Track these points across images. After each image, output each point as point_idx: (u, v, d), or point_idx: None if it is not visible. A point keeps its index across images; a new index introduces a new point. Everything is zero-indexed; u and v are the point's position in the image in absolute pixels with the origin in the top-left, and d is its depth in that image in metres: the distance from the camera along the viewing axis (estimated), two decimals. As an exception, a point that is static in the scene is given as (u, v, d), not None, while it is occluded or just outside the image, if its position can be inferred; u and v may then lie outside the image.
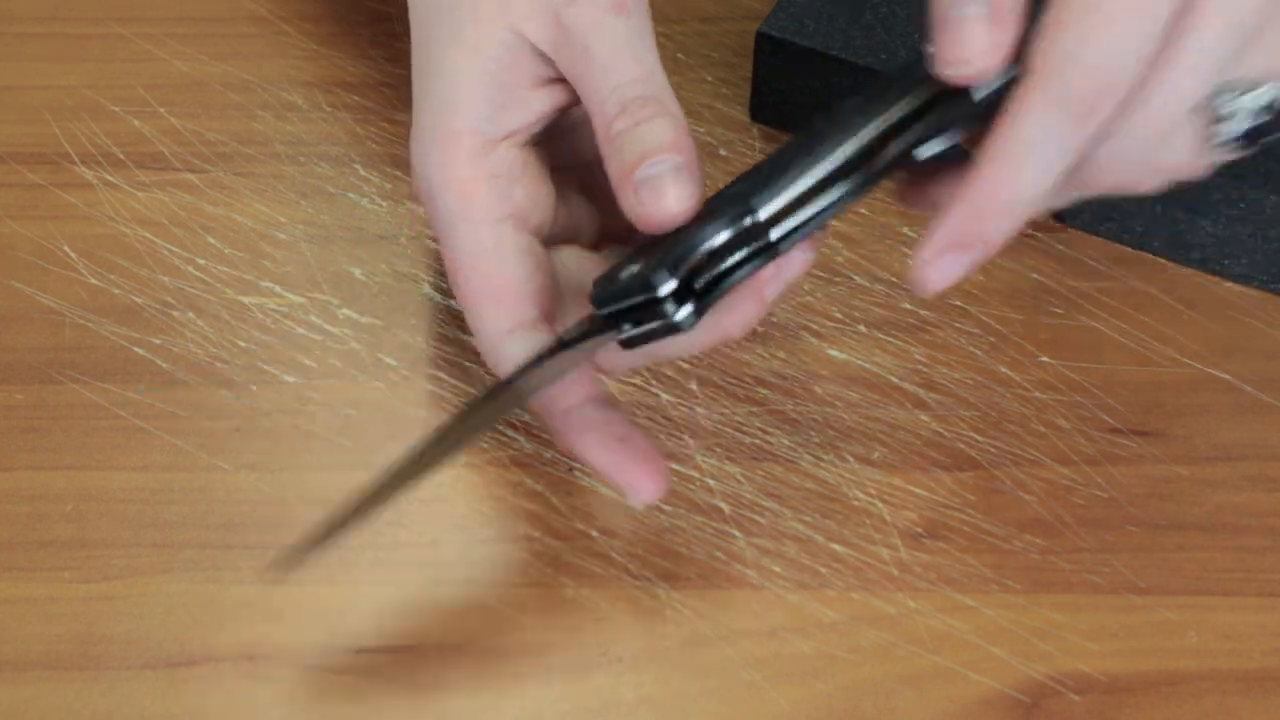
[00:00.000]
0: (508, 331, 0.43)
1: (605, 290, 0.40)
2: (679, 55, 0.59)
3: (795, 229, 0.39)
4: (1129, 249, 0.54)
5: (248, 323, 0.52)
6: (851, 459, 0.49)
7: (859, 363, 0.51)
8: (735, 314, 0.41)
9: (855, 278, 0.53)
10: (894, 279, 0.53)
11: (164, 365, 0.51)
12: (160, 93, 0.58)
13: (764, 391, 0.50)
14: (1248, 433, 0.50)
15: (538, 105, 0.45)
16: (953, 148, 0.39)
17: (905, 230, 0.54)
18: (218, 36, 0.60)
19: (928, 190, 0.41)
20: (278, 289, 0.53)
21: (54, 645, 0.45)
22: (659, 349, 0.41)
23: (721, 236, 0.39)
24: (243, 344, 0.51)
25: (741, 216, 0.39)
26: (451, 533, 0.47)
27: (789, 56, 0.54)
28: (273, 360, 0.51)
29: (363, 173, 0.56)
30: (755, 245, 0.39)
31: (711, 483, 0.48)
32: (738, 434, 0.49)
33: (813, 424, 0.50)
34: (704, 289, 0.39)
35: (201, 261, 0.53)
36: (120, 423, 0.49)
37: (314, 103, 0.58)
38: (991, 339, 0.52)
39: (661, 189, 0.40)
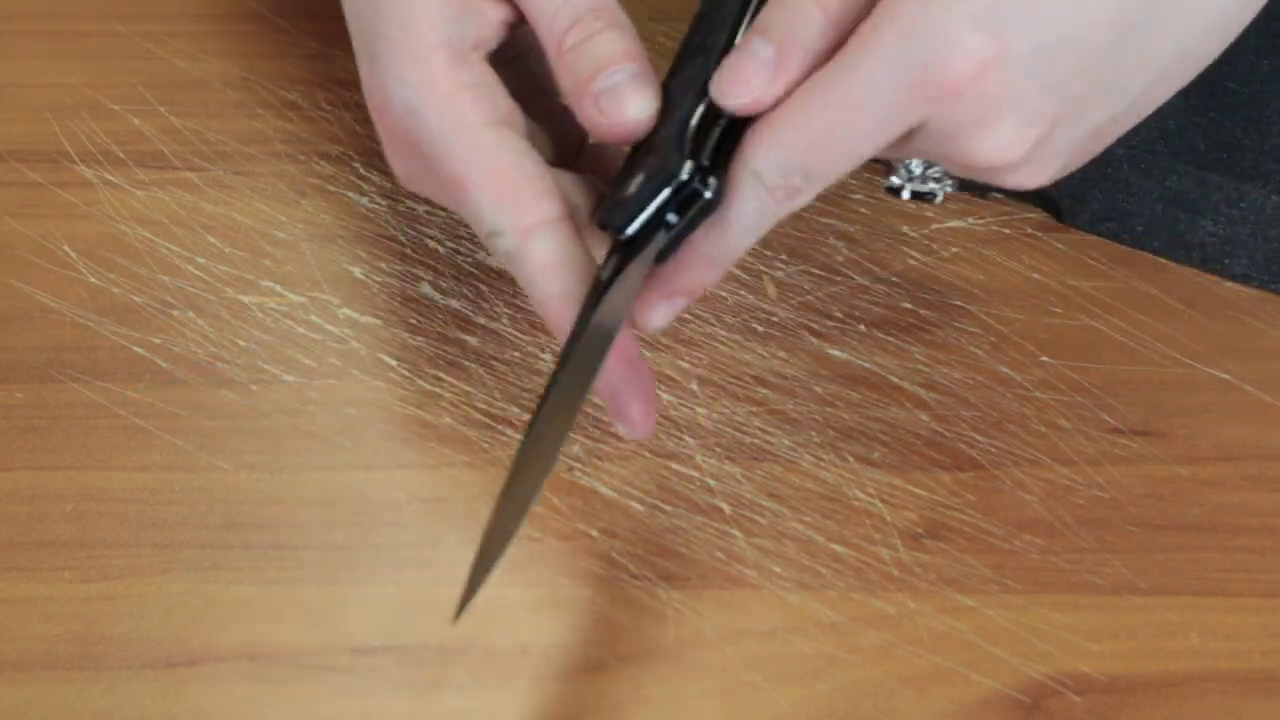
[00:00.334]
0: (531, 228, 0.42)
1: (620, 212, 0.40)
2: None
3: None
4: (1129, 249, 0.54)
5: (248, 322, 0.52)
6: (852, 459, 0.49)
7: (859, 362, 0.51)
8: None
9: (855, 277, 0.53)
10: (894, 279, 0.53)
11: (164, 365, 0.51)
12: (160, 91, 0.58)
13: (764, 391, 0.50)
14: (1248, 433, 0.50)
15: (493, 16, 0.44)
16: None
17: (906, 230, 0.54)
18: (218, 35, 0.60)
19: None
20: (278, 288, 0.53)
21: (54, 645, 0.45)
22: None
23: (699, 111, 0.40)
24: (243, 343, 0.51)
25: (706, 94, 0.40)
26: (451, 533, 0.47)
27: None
28: (273, 360, 0.51)
29: (363, 171, 0.56)
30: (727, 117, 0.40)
31: (711, 483, 0.48)
32: (738, 434, 0.49)
33: (813, 424, 0.50)
34: (711, 162, 0.39)
35: (201, 260, 0.53)
36: (120, 422, 0.49)
37: (314, 101, 0.58)
38: (992, 339, 0.52)
39: (621, 97, 0.41)
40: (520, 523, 0.39)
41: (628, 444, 0.49)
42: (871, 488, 0.48)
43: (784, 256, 0.54)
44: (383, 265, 0.53)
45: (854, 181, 0.55)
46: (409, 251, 0.54)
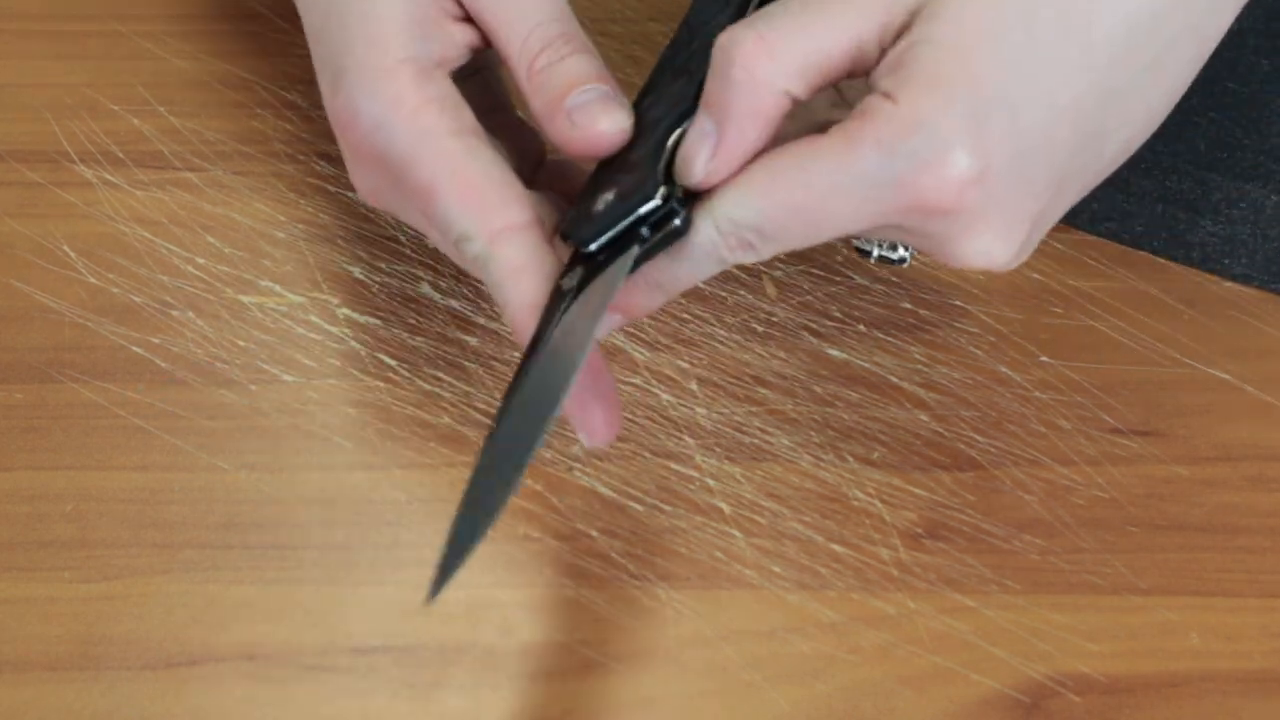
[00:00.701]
0: (499, 232, 0.42)
1: (587, 227, 0.40)
2: (679, 54, 0.59)
3: None
4: (1129, 249, 0.54)
5: (247, 322, 0.52)
6: (851, 459, 0.49)
7: (859, 362, 0.51)
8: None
9: (855, 277, 0.53)
10: (894, 279, 0.53)
11: (163, 365, 0.51)
12: (159, 91, 0.58)
13: (764, 391, 0.50)
14: (1248, 433, 0.50)
15: (459, 38, 0.45)
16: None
17: (905, 230, 0.54)
18: (217, 34, 0.60)
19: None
20: (277, 288, 0.53)
21: (54, 645, 0.45)
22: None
23: (675, 134, 0.40)
24: (242, 343, 0.51)
25: (686, 117, 0.40)
26: (451, 533, 0.47)
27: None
28: (272, 360, 0.51)
29: (362, 171, 0.56)
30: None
31: (711, 483, 0.48)
32: (737, 434, 0.49)
33: (813, 424, 0.50)
34: (683, 193, 0.40)
35: (201, 260, 0.53)
36: (120, 422, 0.49)
37: (314, 101, 0.58)
38: (991, 339, 0.52)
39: (593, 113, 0.42)
40: (484, 532, 0.38)
41: (627, 444, 0.49)
42: (871, 488, 0.48)
43: (784, 256, 0.54)
44: (383, 265, 0.53)
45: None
46: (409, 251, 0.54)
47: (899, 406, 0.50)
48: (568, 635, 0.45)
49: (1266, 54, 0.55)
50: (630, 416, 0.50)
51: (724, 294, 0.53)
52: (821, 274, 0.53)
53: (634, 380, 0.50)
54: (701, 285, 0.53)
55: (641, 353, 0.51)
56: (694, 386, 0.50)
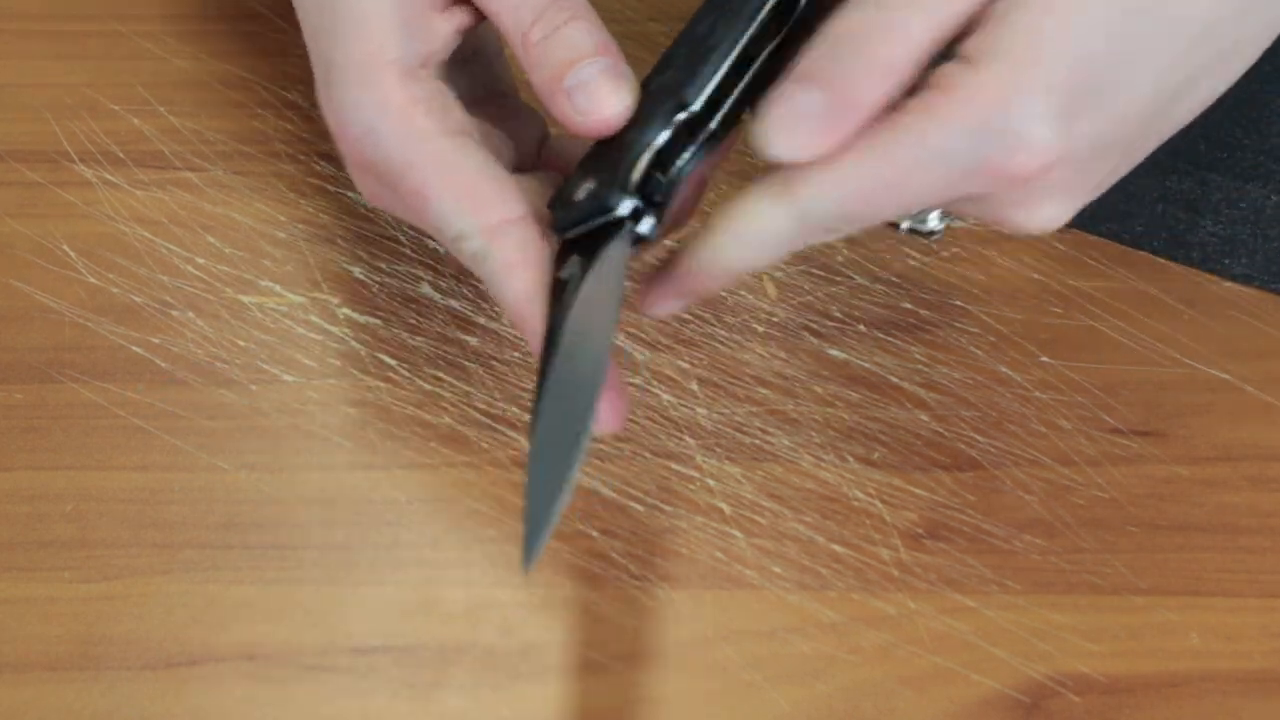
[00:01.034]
0: (496, 227, 0.41)
1: (566, 214, 0.40)
2: (679, 54, 0.59)
3: (734, 109, 0.39)
4: (1129, 249, 0.54)
5: (247, 322, 0.52)
6: (852, 459, 0.49)
7: (859, 362, 0.51)
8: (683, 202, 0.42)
9: (855, 277, 0.53)
10: (894, 279, 0.53)
11: (163, 365, 0.51)
12: (159, 91, 0.58)
13: (764, 391, 0.50)
14: (1248, 433, 0.50)
15: (443, 29, 0.44)
16: None
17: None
18: (217, 34, 0.60)
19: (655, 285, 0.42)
20: (277, 288, 0.53)
21: (54, 645, 0.45)
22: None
23: (662, 138, 0.39)
24: (242, 343, 0.51)
25: (677, 112, 0.39)
26: (451, 533, 0.47)
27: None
28: (272, 360, 0.51)
29: (362, 171, 0.56)
30: (698, 139, 0.39)
31: (711, 483, 0.48)
32: (738, 434, 0.49)
33: (813, 424, 0.50)
34: (660, 198, 0.39)
35: (201, 260, 0.53)
36: (120, 422, 0.49)
37: (314, 101, 0.58)
38: (992, 339, 0.52)
39: (595, 93, 0.40)
40: (551, 520, 0.37)
41: (628, 444, 0.49)
42: (871, 488, 0.48)
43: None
44: (383, 265, 0.53)
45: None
46: (409, 251, 0.54)
47: (899, 407, 0.50)
48: (568, 635, 0.45)
49: (1266, 54, 0.55)
50: (631, 417, 0.50)
51: (724, 294, 0.53)
52: (822, 274, 0.53)
53: (634, 380, 0.50)
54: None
55: (642, 353, 0.51)
56: (694, 386, 0.50)
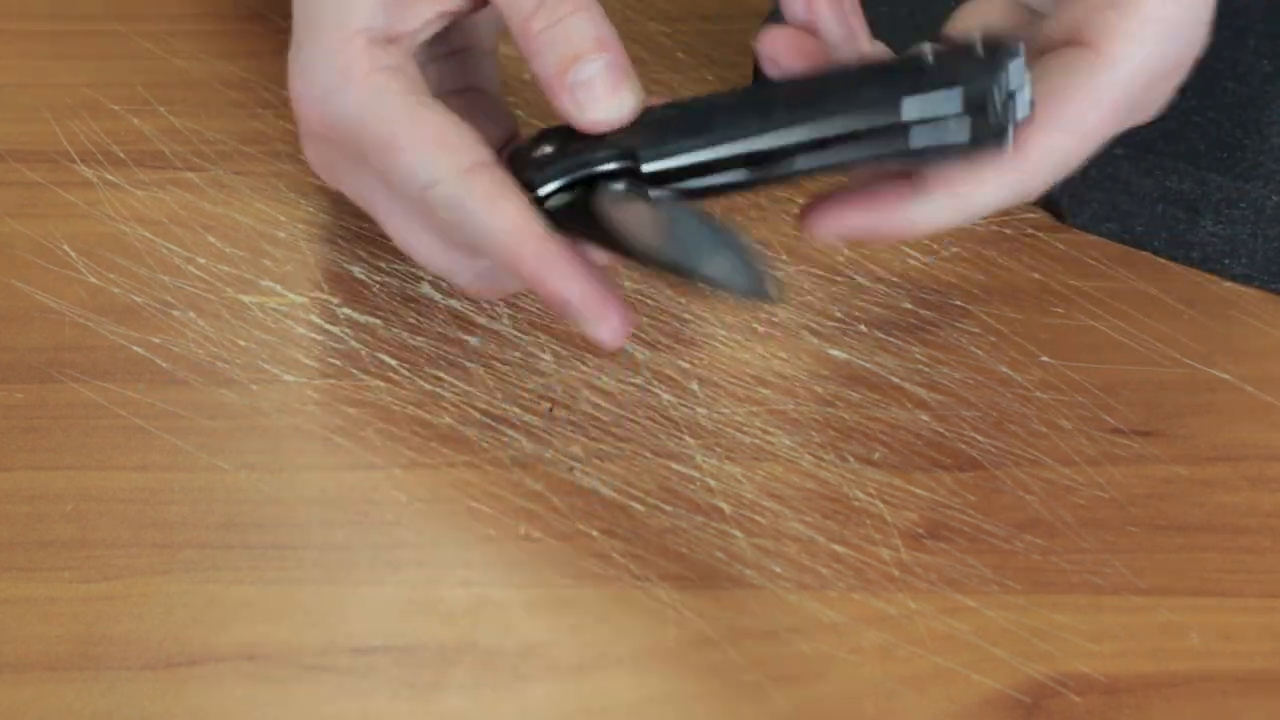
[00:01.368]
0: (470, 169, 0.42)
1: (538, 171, 0.43)
2: (680, 54, 0.59)
3: (675, 193, 0.42)
4: (1129, 249, 0.54)
5: (248, 322, 0.52)
6: (852, 459, 0.49)
7: (859, 362, 0.51)
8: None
9: (856, 277, 0.53)
10: (895, 279, 0.53)
11: (164, 365, 0.51)
12: (160, 91, 0.58)
13: (764, 391, 0.50)
14: (1248, 433, 0.50)
15: (425, 11, 0.44)
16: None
17: (906, 230, 0.54)
18: (217, 34, 0.60)
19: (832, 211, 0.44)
20: (278, 288, 0.53)
21: (54, 645, 0.45)
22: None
23: (604, 167, 0.42)
24: (243, 343, 0.51)
25: (626, 158, 0.41)
26: (451, 533, 0.47)
27: (789, 56, 0.54)
28: (273, 359, 0.51)
29: (363, 171, 0.56)
30: (635, 188, 0.42)
31: (712, 483, 0.48)
32: (738, 434, 0.49)
33: (813, 424, 0.50)
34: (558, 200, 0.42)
35: (201, 260, 0.53)
36: (120, 422, 0.49)
37: (314, 101, 0.58)
38: (992, 339, 0.52)
39: (596, 92, 0.41)
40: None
41: (628, 444, 0.49)
42: (871, 488, 0.48)
43: (784, 256, 0.54)
44: (383, 265, 0.53)
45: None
46: (409, 251, 0.53)
47: (900, 407, 0.50)
48: (568, 635, 0.45)
49: (1266, 54, 0.55)
50: (631, 417, 0.50)
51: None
52: (822, 274, 0.53)
53: (634, 380, 0.51)
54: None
55: (642, 353, 0.51)
56: (694, 386, 0.50)
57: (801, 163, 0.41)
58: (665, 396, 0.50)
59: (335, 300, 0.52)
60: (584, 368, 0.51)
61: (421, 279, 0.53)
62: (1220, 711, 0.44)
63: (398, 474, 0.48)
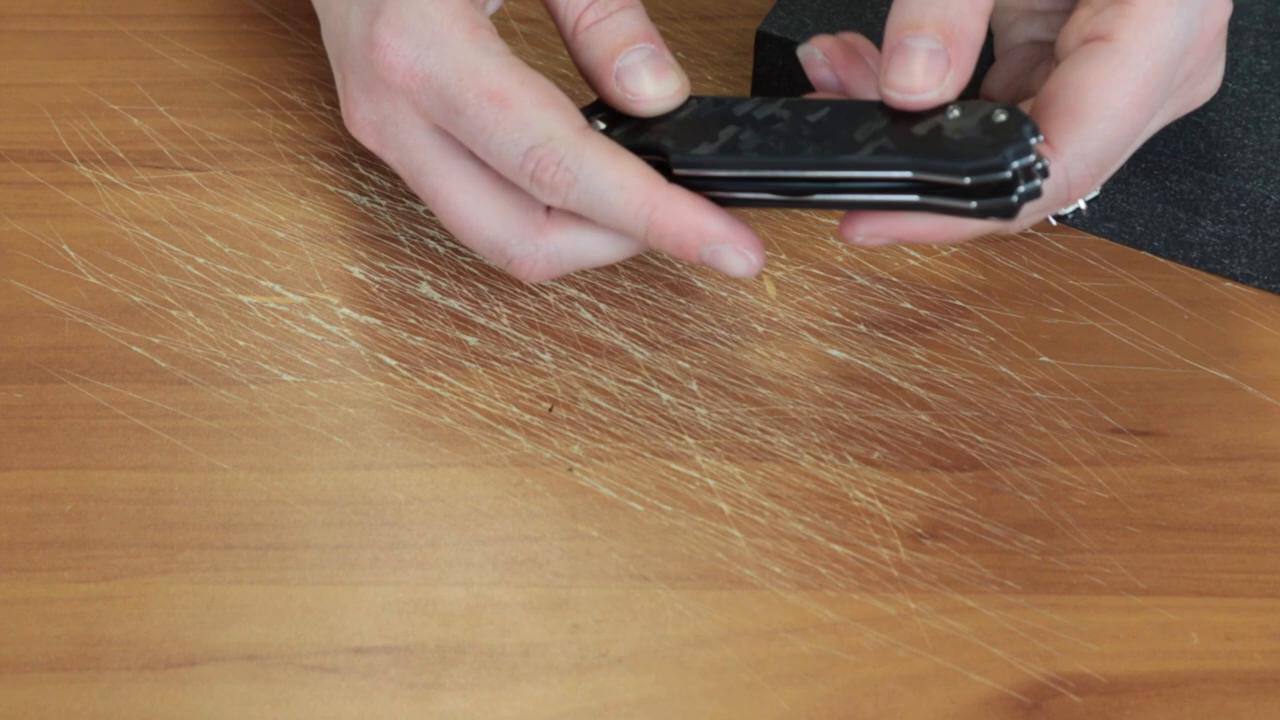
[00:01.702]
0: (581, 129, 0.43)
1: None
2: (679, 54, 0.59)
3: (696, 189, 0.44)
4: (1129, 249, 0.54)
5: (247, 322, 0.52)
6: (851, 459, 0.49)
7: (859, 362, 0.51)
8: None
9: (855, 277, 0.53)
10: (894, 279, 0.53)
11: (163, 364, 0.51)
12: (160, 91, 0.58)
13: (764, 391, 0.50)
14: (1248, 433, 0.50)
15: None
16: None
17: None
18: (217, 34, 0.60)
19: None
20: (277, 288, 0.53)
21: (54, 646, 0.45)
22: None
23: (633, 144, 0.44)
24: (242, 343, 0.51)
25: (659, 154, 0.44)
26: (451, 533, 0.47)
27: (788, 55, 0.54)
28: (272, 359, 0.51)
29: (362, 171, 0.56)
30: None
31: (711, 483, 0.48)
32: (738, 434, 0.49)
33: (813, 424, 0.50)
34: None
35: (201, 260, 0.53)
36: (120, 422, 0.49)
37: (313, 101, 0.58)
38: (991, 339, 0.52)
39: (640, 77, 0.44)
40: None
41: (628, 444, 0.49)
42: (871, 488, 0.48)
43: (784, 256, 0.54)
44: (383, 265, 0.53)
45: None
46: (409, 251, 0.54)
47: (899, 407, 0.50)
48: (568, 635, 0.45)
49: (1266, 54, 0.55)
50: (630, 417, 0.50)
51: (724, 294, 0.53)
52: (822, 274, 0.53)
53: (634, 380, 0.51)
54: (701, 285, 0.53)
55: (641, 353, 0.51)
56: (694, 386, 0.50)
57: (819, 198, 0.44)
58: (664, 396, 0.50)
59: (335, 300, 0.52)
60: (583, 368, 0.51)
61: (421, 279, 0.53)
62: (1220, 711, 0.44)
63: (397, 474, 0.48)
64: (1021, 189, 0.41)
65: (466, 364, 0.51)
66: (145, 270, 0.53)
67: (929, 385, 0.51)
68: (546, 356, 0.51)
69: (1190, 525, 0.48)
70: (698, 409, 0.50)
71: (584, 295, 0.52)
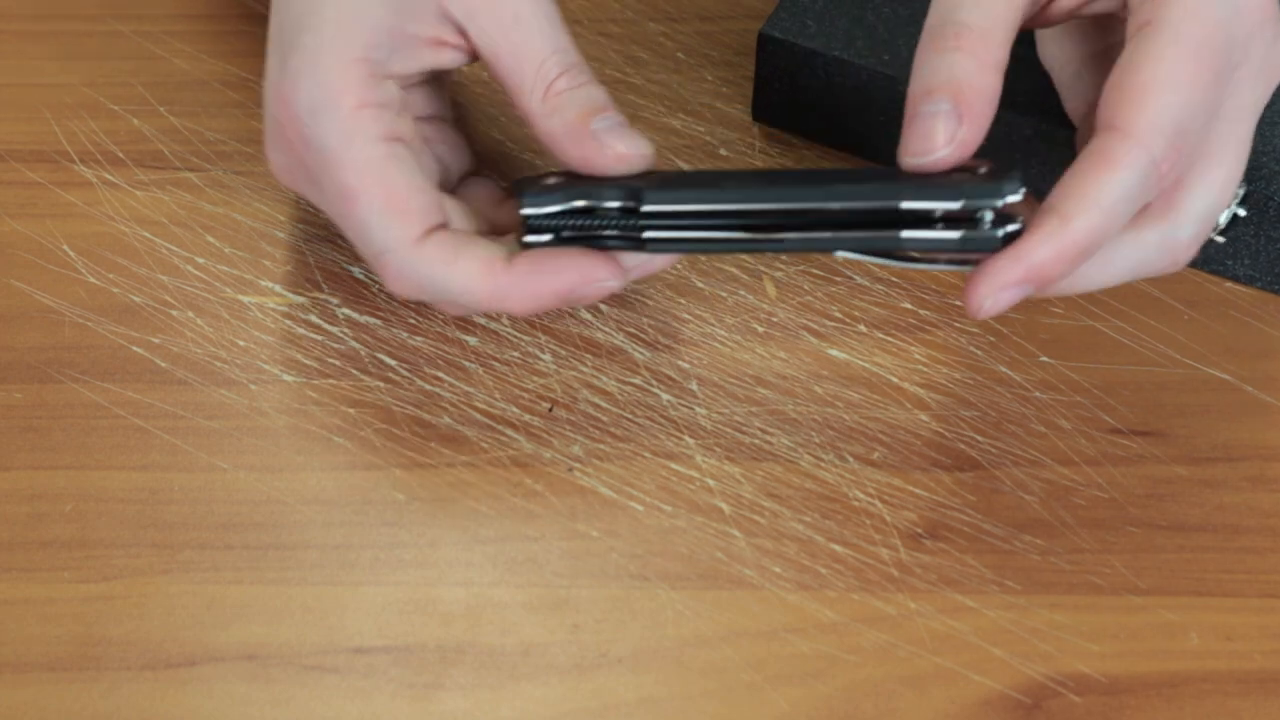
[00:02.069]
0: (418, 239, 0.44)
1: (541, 194, 0.45)
2: (680, 54, 0.59)
3: (667, 240, 0.44)
4: (1129, 249, 0.54)
5: (247, 322, 0.52)
6: (851, 459, 0.49)
7: (859, 363, 0.51)
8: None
9: (855, 278, 0.53)
10: (894, 279, 0.53)
11: (163, 364, 0.51)
12: (160, 91, 0.58)
13: (764, 391, 0.50)
14: (1248, 433, 0.50)
15: (426, 59, 0.46)
16: None
17: (905, 230, 0.54)
18: (217, 34, 0.60)
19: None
20: (278, 288, 0.53)
21: (54, 646, 0.45)
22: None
23: (604, 203, 0.44)
24: (242, 343, 0.51)
25: (630, 195, 0.44)
26: (451, 533, 0.47)
27: (790, 56, 0.54)
28: (272, 360, 0.51)
29: (362, 171, 0.56)
30: (626, 230, 0.44)
31: (711, 483, 0.48)
32: (738, 434, 0.49)
33: (813, 424, 0.50)
34: (570, 236, 0.44)
35: (201, 260, 0.53)
36: (120, 422, 0.49)
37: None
38: (991, 339, 0.52)
39: (618, 135, 0.45)
40: None
41: (628, 444, 0.49)
42: (871, 488, 0.48)
43: (784, 256, 0.54)
44: (383, 265, 0.53)
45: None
46: (409, 251, 0.53)
47: (899, 407, 0.50)
48: (568, 635, 0.45)
49: (1267, 54, 0.54)
50: (630, 416, 0.50)
51: (724, 294, 0.53)
52: (822, 274, 0.53)
53: (634, 380, 0.51)
54: (701, 285, 0.53)
55: (641, 353, 0.51)
56: (694, 386, 0.50)
57: (794, 237, 0.43)
58: (665, 396, 0.50)
59: (335, 300, 0.52)
60: (583, 368, 0.51)
61: (421, 279, 0.53)
62: (1220, 711, 0.44)
63: (397, 474, 0.48)
64: (1004, 233, 0.41)
65: (466, 364, 0.51)
66: (145, 270, 0.53)
67: (929, 385, 0.51)
68: (546, 356, 0.51)
69: (1190, 525, 0.48)
70: (698, 409, 0.50)
71: (584, 295, 0.52)
